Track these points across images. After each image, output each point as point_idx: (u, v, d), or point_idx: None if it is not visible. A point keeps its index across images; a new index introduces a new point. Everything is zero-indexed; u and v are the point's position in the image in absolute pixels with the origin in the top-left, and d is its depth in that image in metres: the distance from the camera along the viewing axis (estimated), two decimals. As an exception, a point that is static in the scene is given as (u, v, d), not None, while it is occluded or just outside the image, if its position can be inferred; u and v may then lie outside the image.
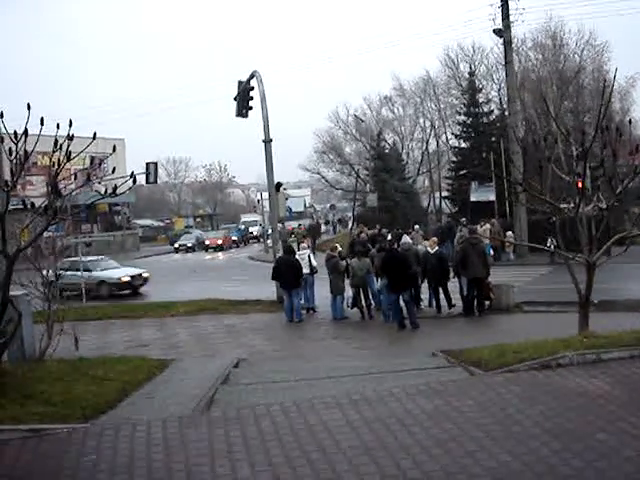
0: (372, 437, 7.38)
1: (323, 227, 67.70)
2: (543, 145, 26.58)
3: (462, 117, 57.26)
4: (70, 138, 9.60)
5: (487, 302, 19.90)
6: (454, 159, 59.12)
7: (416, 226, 38.33)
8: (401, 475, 6.35)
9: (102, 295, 30.24)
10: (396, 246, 21.50)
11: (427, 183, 74.06)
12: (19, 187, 11.68)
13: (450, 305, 20.30)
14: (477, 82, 57.47)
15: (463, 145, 57.50)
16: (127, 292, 31.64)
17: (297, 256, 21.85)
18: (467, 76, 58.50)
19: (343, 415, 8.23)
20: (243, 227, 75.74)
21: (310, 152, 77.07)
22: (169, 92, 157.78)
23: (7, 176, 10.11)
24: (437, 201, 67.09)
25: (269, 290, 24.66)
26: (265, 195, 40.53)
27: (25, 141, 9.47)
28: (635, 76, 52.16)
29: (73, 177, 10.89)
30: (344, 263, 21.52)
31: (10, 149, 9.49)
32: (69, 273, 30.09)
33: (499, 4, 36.66)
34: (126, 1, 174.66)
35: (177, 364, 13.61)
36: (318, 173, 78.39)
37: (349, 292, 20.81)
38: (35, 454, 7.62)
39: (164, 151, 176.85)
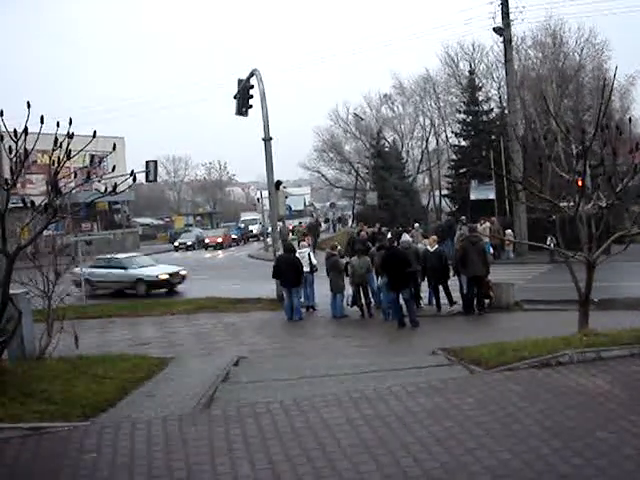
0: (372, 435, 7.39)
1: (323, 225, 67.66)
2: (543, 143, 26.63)
3: (462, 115, 57.30)
4: (70, 136, 9.60)
5: (487, 300, 19.90)
6: (454, 157, 59.16)
7: (416, 224, 38.35)
8: (401, 473, 6.36)
9: (139, 293, 29.53)
10: (396, 244, 21.47)
11: (427, 181, 74.09)
12: (19, 185, 11.67)
13: (451, 303, 20.29)
14: (477, 80, 57.49)
15: (463, 143, 57.54)
16: (163, 290, 30.56)
17: (297, 254, 21.83)
18: (467, 74, 58.54)
19: (343, 413, 8.24)
20: (243, 225, 75.68)
21: (310, 150, 77.27)
22: (169, 91, 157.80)
23: (7, 174, 10.11)
24: (437, 199, 67.17)
25: (269, 288, 24.67)
26: (265, 193, 40.48)
27: (25, 139, 9.47)
28: (635, 74, 52.21)
29: (73, 175, 10.89)
30: (344, 261, 21.52)
31: (10, 147, 9.49)
32: (104, 271, 30.03)
33: (499, 2, 36.65)
34: (126, 1, 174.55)
35: (177, 362, 13.60)
36: (318, 171, 78.50)
37: (349, 290, 20.81)
38: (35, 452, 7.64)
39: (164, 149, 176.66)
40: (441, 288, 20.57)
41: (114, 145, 12.33)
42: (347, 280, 20.86)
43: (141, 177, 28.89)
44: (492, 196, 43.10)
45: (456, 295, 20.36)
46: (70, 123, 9.58)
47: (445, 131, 66.71)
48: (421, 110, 68.84)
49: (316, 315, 21.62)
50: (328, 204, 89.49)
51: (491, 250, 28.54)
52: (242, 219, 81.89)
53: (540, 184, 12.48)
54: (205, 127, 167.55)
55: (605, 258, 12.47)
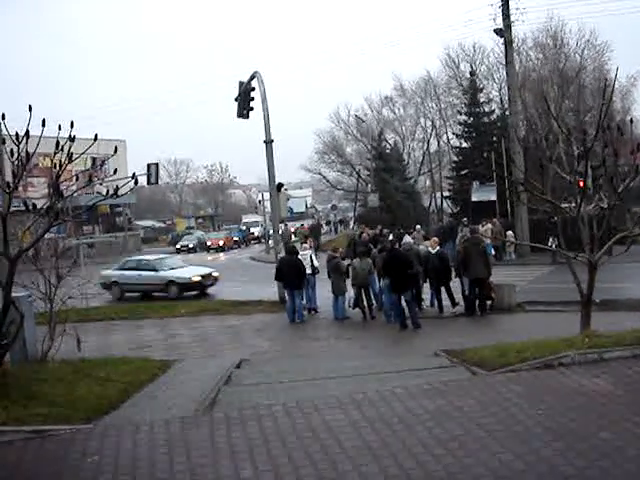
0: (374, 437, 7.39)
1: (324, 227, 67.64)
2: (544, 145, 26.58)
3: (463, 117, 57.30)
4: (72, 139, 9.61)
5: (489, 302, 19.89)
6: (455, 159, 59.18)
7: (417, 226, 38.33)
8: (404, 475, 6.36)
9: (171, 296, 28.54)
10: (398, 246, 21.48)
11: (428, 183, 74.01)
12: (20, 189, 11.68)
13: (454, 304, 20.28)
14: (478, 82, 57.49)
15: (464, 145, 57.54)
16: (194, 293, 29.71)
17: (299, 256, 21.84)
18: (468, 76, 58.55)
19: (345, 415, 8.24)
20: (244, 228, 75.70)
21: (311, 152, 77.15)
22: (170, 93, 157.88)
23: (9, 177, 10.13)
24: (438, 201, 67.15)
25: (271, 291, 24.69)
26: (266, 196, 40.49)
27: (27, 143, 9.48)
28: (636, 75, 52.21)
29: (75, 178, 10.89)
30: (345, 263, 21.53)
31: (12, 150, 9.50)
32: (133, 273, 29.55)
33: (500, 4, 36.64)
34: (126, 1, 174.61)
35: (179, 365, 13.63)
36: (319, 173, 78.45)
37: (351, 292, 20.81)
38: (38, 455, 7.64)
39: (165, 152, 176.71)
40: (443, 290, 20.56)
41: (115, 148, 12.32)
42: (349, 282, 20.86)
43: (143, 180, 28.91)
44: (493, 197, 43.11)
45: (458, 297, 20.35)
46: (72, 126, 9.60)
47: (446, 133, 66.76)
48: (422, 112, 68.84)
49: (318, 317, 21.62)
50: (329, 206, 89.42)
51: (492, 252, 28.53)
52: (244, 221, 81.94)
53: (542, 185, 12.49)
54: (206, 129, 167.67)
55: (607, 259, 12.47)
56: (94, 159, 19.72)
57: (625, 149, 12.13)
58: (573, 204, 12.52)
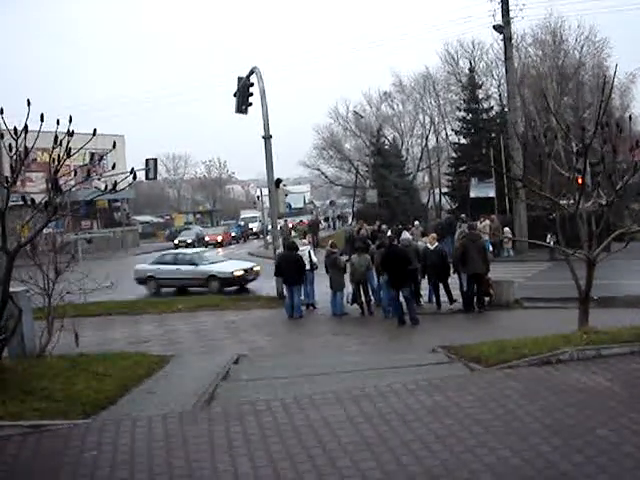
0: (372, 433, 7.40)
1: (323, 223, 67.64)
2: (543, 141, 26.57)
3: (462, 113, 57.21)
4: (70, 134, 9.61)
5: (487, 298, 19.90)
6: (454, 155, 59.08)
7: (416, 222, 38.32)
8: (401, 470, 6.37)
9: (212, 291, 27.62)
10: (396, 242, 21.47)
11: (427, 179, 73.97)
12: (19, 183, 11.67)
13: (451, 301, 20.29)
14: (477, 78, 57.38)
15: (463, 141, 57.44)
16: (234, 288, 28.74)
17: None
18: (467, 72, 58.42)
19: (344, 411, 8.25)
20: (243, 223, 75.63)
21: (310, 148, 77.03)
22: (169, 89, 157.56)
23: (7, 172, 10.12)
24: (437, 197, 67.08)
25: (269, 286, 24.70)
26: (265, 191, 40.41)
27: (25, 137, 9.47)
28: (635, 72, 52.06)
29: (73, 173, 10.88)
30: (344, 259, 21.53)
31: (10, 145, 9.49)
32: (171, 268, 28.81)
33: (499, 0, 36.63)
34: (126, 1, 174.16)
35: (177, 360, 13.62)
36: (318, 169, 78.31)
37: (349, 288, 20.81)
38: (36, 450, 7.64)
39: (164, 147, 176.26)
40: (441, 286, 20.58)
41: (114, 143, 12.31)
42: (347, 278, 20.87)
43: (141, 175, 28.68)
44: (492, 194, 43.05)
45: (456, 293, 20.36)
46: (70, 121, 9.59)
47: (445, 129, 66.64)
48: (421, 108, 68.71)
49: (316, 313, 21.62)
50: (328, 202, 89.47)
51: (490, 248, 28.52)
52: (242, 217, 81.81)
53: (540, 182, 12.49)
54: (205, 125, 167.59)
55: (605, 256, 12.48)
56: (92, 154, 19.74)
57: (624, 146, 12.13)
58: (572, 201, 12.52)
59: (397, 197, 58.17)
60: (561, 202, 12.94)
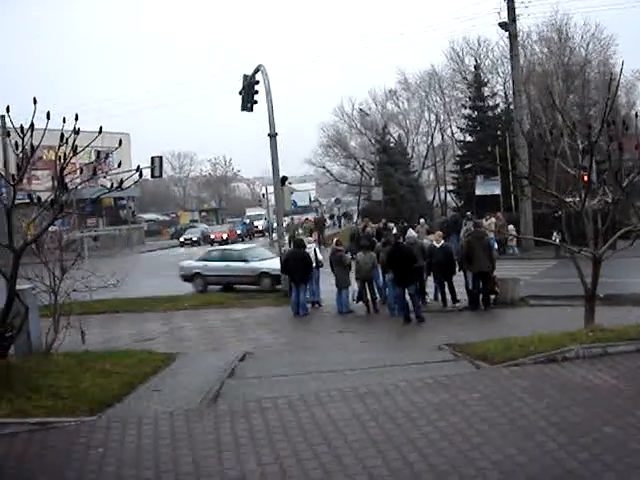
0: (378, 430, 7.41)
1: (328, 221, 67.65)
2: (549, 139, 26.58)
3: (467, 111, 57.08)
4: (76, 132, 9.62)
5: (493, 296, 19.86)
6: (459, 153, 58.97)
7: (421, 220, 38.28)
8: (407, 468, 6.37)
9: (263, 288, 26.44)
10: (402, 240, 21.45)
11: (432, 177, 73.89)
12: (25, 181, 11.71)
13: (455, 300, 20.27)
14: (482, 76, 57.24)
15: (468, 139, 57.31)
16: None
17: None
18: (472, 70, 58.28)
19: (349, 408, 8.25)
20: (248, 221, 75.70)
21: (315, 146, 77.06)
22: (171, 89, 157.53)
23: (13, 170, 10.15)
24: (442, 195, 67.03)
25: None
26: (270, 189, 40.35)
27: (32, 135, 9.49)
28: (641, 69, 52.00)
29: (79, 171, 10.90)
30: (349, 257, 21.51)
31: (17, 143, 9.51)
32: (220, 264, 27.78)
33: (505, -3, 36.55)
34: (126, 1, 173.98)
35: (183, 358, 13.63)
36: (323, 167, 78.30)
37: (354, 286, 20.81)
38: (42, 447, 7.67)
39: (169, 145, 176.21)
40: (446, 284, 20.55)
41: (120, 141, 12.28)
42: (352, 275, 20.86)
43: (147, 173, 28.75)
44: (498, 191, 42.99)
45: (462, 291, 20.33)
46: (76, 119, 9.62)
47: (450, 126, 66.55)
48: (426, 105, 68.64)
49: (322, 311, 21.61)
50: (333, 200, 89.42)
51: (496, 246, 28.48)
52: (247, 215, 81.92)
53: (546, 179, 12.46)
54: (210, 123, 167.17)
55: (611, 253, 12.46)
56: (98, 152, 19.77)
57: (630, 144, 12.10)
58: (577, 198, 12.50)
59: (402, 195, 58.07)
60: (567, 200, 12.92)
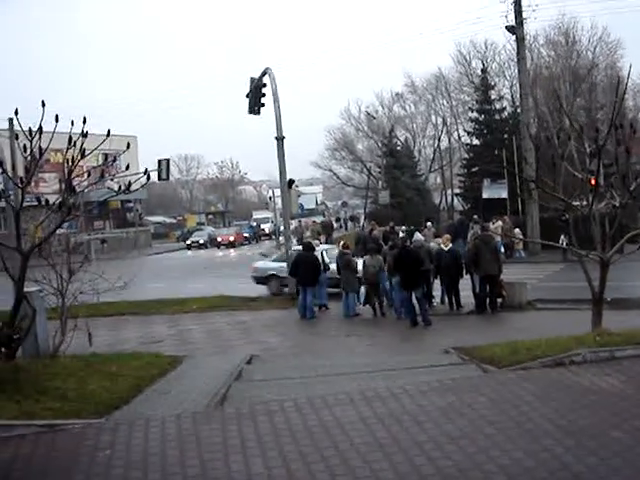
0: (385, 433, 7.40)
1: (334, 224, 67.67)
2: (556, 142, 26.51)
3: (474, 114, 57.04)
4: (84, 135, 9.66)
5: (500, 299, 19.84)
6: (466, 156, 58.92)
7: (428, 223, 38.26)
8: (415, 471, 6.36)
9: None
10: (408, 243, 21.45)
11: (439, 180, 73.94)
12: (32, 184, 11.75)
13: (459, 306, 20.27)
14: (489, 79, 57.21)
15: (475, 142, 57.28)
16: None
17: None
18: (479, 73, 58.27)
19: (356, 412, 8.25)
20: (255, 224, 75.77)
21: (322, 149, 77.03)
22: (176, 92, 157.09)
23: (21, 173, 10.19)
24: (449, 198, 67.03)
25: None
26: (277, 192, 40.35)
27: (40, 138, 9.52)
28: (649, 73, 51.86)
29: (86, 174, 10.93)
30: (356, 260, 21.52)
31: (25, 146, 9.54)
32: None
33: (512, 1, 36.51)
34: (126, 1, 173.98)
35: (190, 360, 13.64)
36: (330, 170, 78.32)
37: (361, 289, 20.80)
38: (50, 449, 7.69)
39: (176, 148, 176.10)
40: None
41: (128, 144, 12.29)
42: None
43: (153, 175, 28.68)
44: (504, 195, 42.97)
45: (469, 294, 20.30)
46: (84, 122, 9.65)
47: (457, 130, 66.55)
48: (433, 109, 68.71)
49: (328, 314, 21.61)
50: (340, 203, 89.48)
51: (502, 249, 28.45)
52: (254, 217, 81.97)
53: (553, 183, 12.45)
54: (216, 126, 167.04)
55: (619, 257, 12.44)
56: (106, 155, 19.81)
57: (637, 147, 12.13)
58: (585, 202, 12.48)
59: (409, 198, 58.09)
60: (574, 203, 12.90)
